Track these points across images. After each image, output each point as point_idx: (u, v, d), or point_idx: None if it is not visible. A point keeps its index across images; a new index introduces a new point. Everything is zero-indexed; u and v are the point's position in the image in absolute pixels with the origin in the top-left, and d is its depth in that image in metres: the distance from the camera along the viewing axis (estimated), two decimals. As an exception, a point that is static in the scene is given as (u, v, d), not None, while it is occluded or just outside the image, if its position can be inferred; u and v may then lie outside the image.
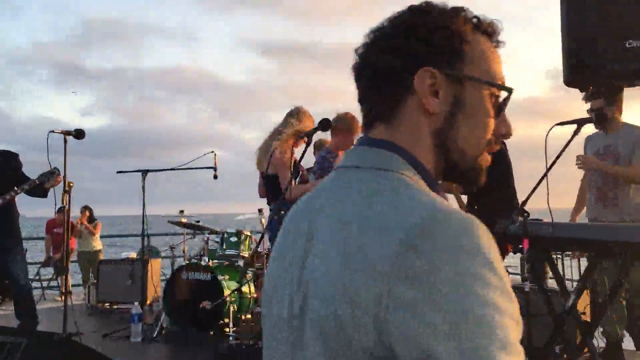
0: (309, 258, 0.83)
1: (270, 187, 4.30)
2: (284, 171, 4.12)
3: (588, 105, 4.23)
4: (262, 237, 3.93)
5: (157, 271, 7.76)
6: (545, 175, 3.50)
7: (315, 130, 3.79)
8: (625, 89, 4.03)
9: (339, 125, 4.83)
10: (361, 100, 0.95)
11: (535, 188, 3.56)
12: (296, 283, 0.84)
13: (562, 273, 4.03)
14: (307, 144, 3.81)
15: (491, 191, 4.18)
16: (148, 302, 6.92)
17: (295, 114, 4.51)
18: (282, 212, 3.61)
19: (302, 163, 4.20)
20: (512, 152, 4.33)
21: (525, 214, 3.55)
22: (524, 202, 3.60)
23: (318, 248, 0.82)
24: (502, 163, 4.24)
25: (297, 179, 4.55)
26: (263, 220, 6.35)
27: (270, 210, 3.57)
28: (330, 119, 3.88)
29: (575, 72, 1.78)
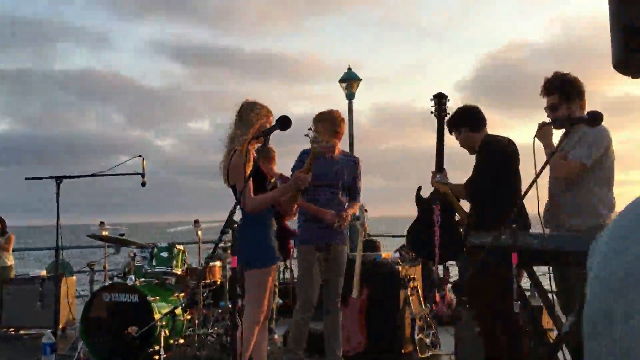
0: None
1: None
2: (240, 178, 3.40)
3: (545, 102, 3.83)
4: (214, 250, 3.30)
5: (72, 290, 6.92)
6: (534, 180, 3.13)
7: (273, 129, 3.23)
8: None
9: (323, 122, 4.28)
10: None
11: (524, 194, 3.18)
12: None
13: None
14: (264, 144, 3.24)
15: (493, 197, 3.80)
16: (61, 325, 6.09)
17: (245, 109, 3.72)
18: (237, 226, 3.00)
19: None
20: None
21: (514, 225, 3.16)
22: (512, 212, 3.21)
23: None
24: (505, 165, 3.87)
25: (268, 185, 3.89)
26: (199, 232, 5.71)
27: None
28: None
29: (631, 53, 1.34)
